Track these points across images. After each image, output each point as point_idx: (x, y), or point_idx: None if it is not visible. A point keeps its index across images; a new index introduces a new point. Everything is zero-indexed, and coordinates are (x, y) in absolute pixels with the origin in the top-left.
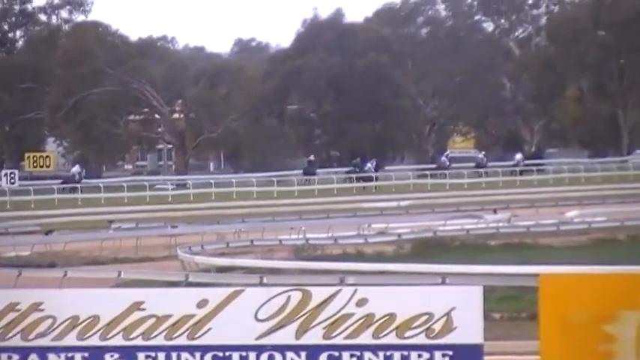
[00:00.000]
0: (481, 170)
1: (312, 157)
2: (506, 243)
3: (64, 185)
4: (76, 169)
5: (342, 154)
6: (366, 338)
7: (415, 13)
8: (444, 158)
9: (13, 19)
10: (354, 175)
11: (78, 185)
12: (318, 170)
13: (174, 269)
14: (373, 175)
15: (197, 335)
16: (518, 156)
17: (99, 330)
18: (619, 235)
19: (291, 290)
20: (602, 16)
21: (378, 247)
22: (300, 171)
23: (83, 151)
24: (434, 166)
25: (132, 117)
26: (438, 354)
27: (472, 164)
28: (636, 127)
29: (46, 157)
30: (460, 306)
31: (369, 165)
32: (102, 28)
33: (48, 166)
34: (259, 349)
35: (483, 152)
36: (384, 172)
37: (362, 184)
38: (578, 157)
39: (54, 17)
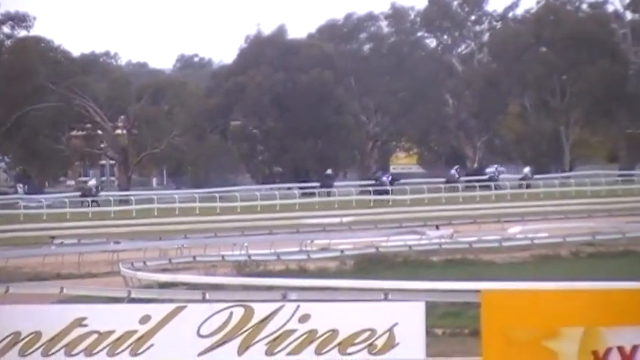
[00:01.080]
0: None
1: (329, 171)
2: (448, 259)
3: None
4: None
5: (285, 170)
6: (308, 354)
7: (358, 29)
8: (452, 171)
9: None
10: (371, 189)
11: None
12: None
13: (116, 285)
14: (389, 188)
15: (140, 351)
16: (526, 169)
17: (41, 346)
18: (561, 252)
19: (234, 306)
20: (544, 32)
21: (320, 263)
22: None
23: (26, 167)
24: (443, 179)
25: (74, 133)
26: None
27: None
28: (578, 143)
29: None
30: (402, 322)
31: (384, 178)
32: (44, 44)
33: None
34: None
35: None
36: (399, 185)
37: (377, 196)
38: (520, 174)
39: None
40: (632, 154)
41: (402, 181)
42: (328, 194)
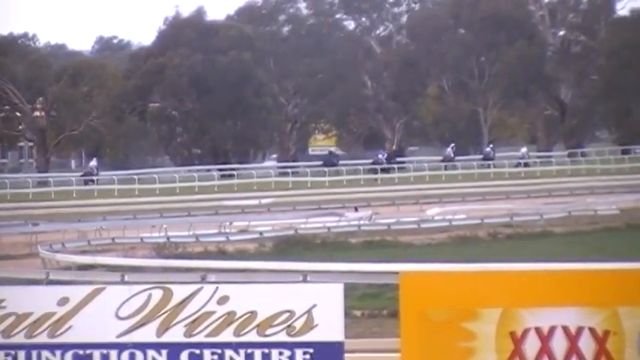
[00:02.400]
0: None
1: (332, 149)
2: (367, 241)
3: None
4: None
5: (204, 152)
6: (227, 336)
7: (277, 11)
8: (449, 150)
9: None
10: (378, 167)
11: None
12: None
13: (35, 267)
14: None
15: (58, 333)
16: (524, 149)
17: None
18: (479, 233)
19: (153, 288)
20: (462, 14)
21: (239, 245)
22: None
23: None
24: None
25: None
26: (299, 352)
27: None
28: (496, 124)
29: None
30: (321, 304)
31: (380, 156)
32: None
33: None
34: (120, 347)
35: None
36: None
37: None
38: (439, 155)
39: None
40: (550, 135)
41: (404, 159)
42: (337, 173)
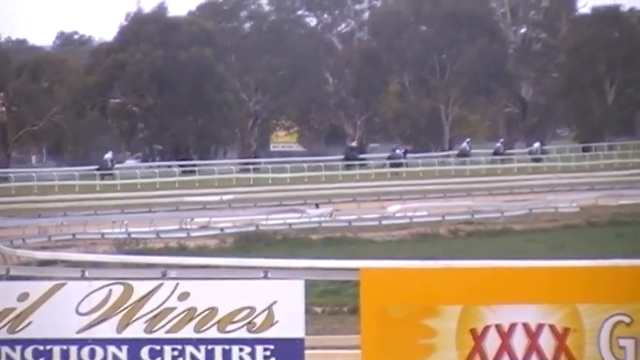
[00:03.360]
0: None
1: (353, 144)
2: (328, 237)
3: None
4: None
5: (165, 148)
6: (187, 332)
7: (238, 7)
8: (464, 144)
9: None
10: (389, 162)
11: None
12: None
13: None
14: (403, 162)
15: (18, 329)
16: (537, 144)
17: None
18: (440, 230)
19: (113, 284)
20: (423, 10)
21: (200, 241)
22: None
23: None
24: (455, 152)
25: None
26: (259, 348)
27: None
28: (457, 121)
29: None
30: (281, 300)
31: (397, 152)
32: None
33: None
34: (80, 343)
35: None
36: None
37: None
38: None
39: None
40: (511, 132)
41: (414, 155)
42: (348, 167)
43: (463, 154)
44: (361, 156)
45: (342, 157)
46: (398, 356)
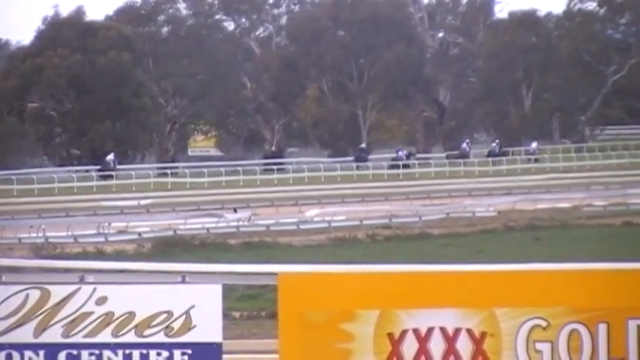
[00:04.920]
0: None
1: (363, 145)
2: (246, 242)
3: None
4: None
5: (83, 152)
6: (105, 337)
7: (156, 11)
8: (464, 145)
9: None
10: (400, 163)
11: None
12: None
13: None
14: (409, 162)
15: None
16: (534, 145)
17: None
18: (358, 234)
19: (30, 288)
20: (341, 15)
21: (118, 246)
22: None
23: None
24: (456, 152)
25: None
26: (177, 352)
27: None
28: (375, 126)
29: None
30: (199, 305)
31: (400, 154)
32: None
33: None
34: None
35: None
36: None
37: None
38: (318, 157)
39: None
40: (429, 137)
41: (420, 156)
42: (358, 168)
43: (463, 155)
44: (370, 157)
45: (352, 158)
46: None
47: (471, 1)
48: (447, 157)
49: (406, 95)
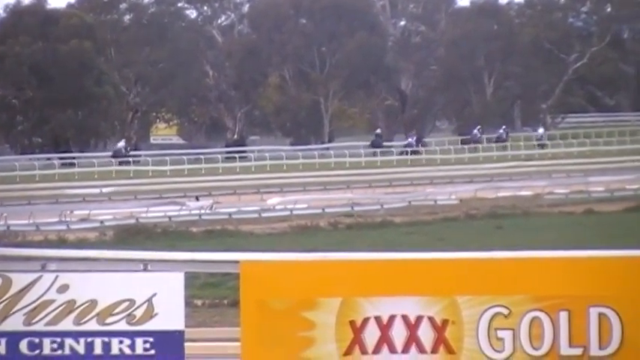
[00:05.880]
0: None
1: (379, 131)
2: (208, 230)
3: None
4: None
5: (45, 140)
6: (67, 325)
7: None
8: (475, 131)
9: None
10: (409, 149)
11: None
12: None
13: None
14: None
15: None
16: (540, 130)
17: None
18: (320, 222)
19: None
20: (303, 3)
21: (80, 234)
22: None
23: None
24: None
25: None
26: (139, 340)
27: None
28: (337, 114)
29: None
30: (161, 292)
31: (410, 140)
32: None
33: None
34: None
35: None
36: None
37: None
38: (280, 145)
39: None
40: (391, 125)
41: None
42: (374, 154)
43: (474, 140)
44: (386, 144)
45: (357, 143)
46: (277, 348)
47: None
48: (462, 143)
49: (368, 83)
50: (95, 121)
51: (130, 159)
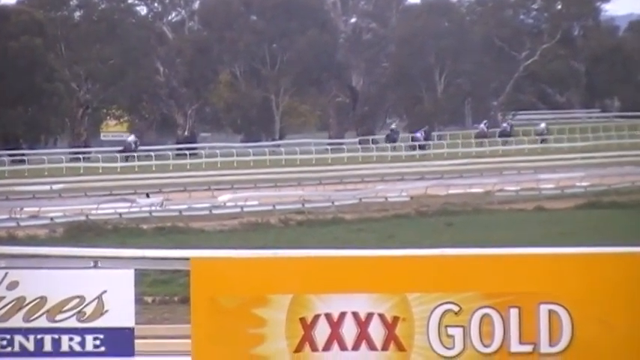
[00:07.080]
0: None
1: (393, 126)
2: (159, 227)
3: None
4: None
5: None
6: (16, 322)
7: None
8: (482, 125)
9: None
10: (417, 144)
11: None
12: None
13: None
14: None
15: None
16: (542, 125)
17: None
18: (271, 219)
19: None
20: (254, 1)
21: (30, 231)
22: None
23: None
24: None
25: None
26: (89, 337)
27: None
28: (288, 111)
29: None
30: (112, 289)
31: (417, 134)
32: None
33: None
34: None
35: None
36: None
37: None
38: (231, 142)
39: None
40: (342, 122)
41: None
42: (394, 149)
43: (481, 135)
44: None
45: (358, 139)
46: (228, 345)
47: None
48: (476, 137)
49: (319, 80)
50: (45, 118)
51: (135, 154)
